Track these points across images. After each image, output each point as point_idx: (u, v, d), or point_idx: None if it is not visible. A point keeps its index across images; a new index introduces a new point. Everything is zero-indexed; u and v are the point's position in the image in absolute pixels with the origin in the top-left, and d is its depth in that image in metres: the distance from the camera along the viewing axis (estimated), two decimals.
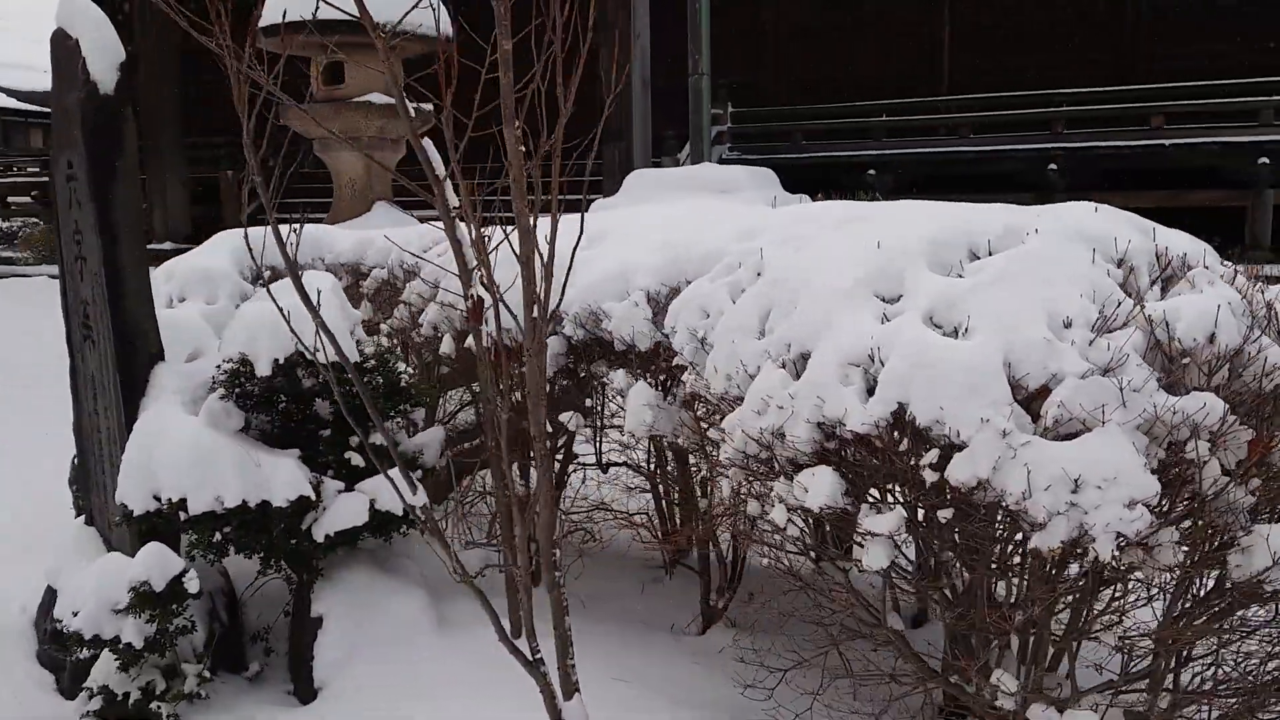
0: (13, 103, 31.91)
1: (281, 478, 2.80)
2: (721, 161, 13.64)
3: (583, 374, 3.26)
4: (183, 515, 2.75)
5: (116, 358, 2.95)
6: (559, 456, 3.91)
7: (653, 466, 3.82)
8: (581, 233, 2.10)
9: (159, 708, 2.79)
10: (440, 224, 2.33)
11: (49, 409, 6.67)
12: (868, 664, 2.49)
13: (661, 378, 2.90)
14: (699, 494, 3.12)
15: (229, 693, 2.99)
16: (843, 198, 4.59)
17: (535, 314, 2.17)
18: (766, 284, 2.28)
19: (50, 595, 3.38)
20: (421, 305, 3.70)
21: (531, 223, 2.18)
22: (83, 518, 3.65)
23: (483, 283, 2.45)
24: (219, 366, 2.89)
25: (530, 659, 2.21)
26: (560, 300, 2.19)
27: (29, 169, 20.17)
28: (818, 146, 13.54)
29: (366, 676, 2.90)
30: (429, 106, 8.95)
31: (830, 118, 13.80)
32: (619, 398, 3.12)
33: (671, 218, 3.33)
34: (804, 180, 10.25)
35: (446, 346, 3.39)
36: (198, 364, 3.13)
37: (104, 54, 2.89)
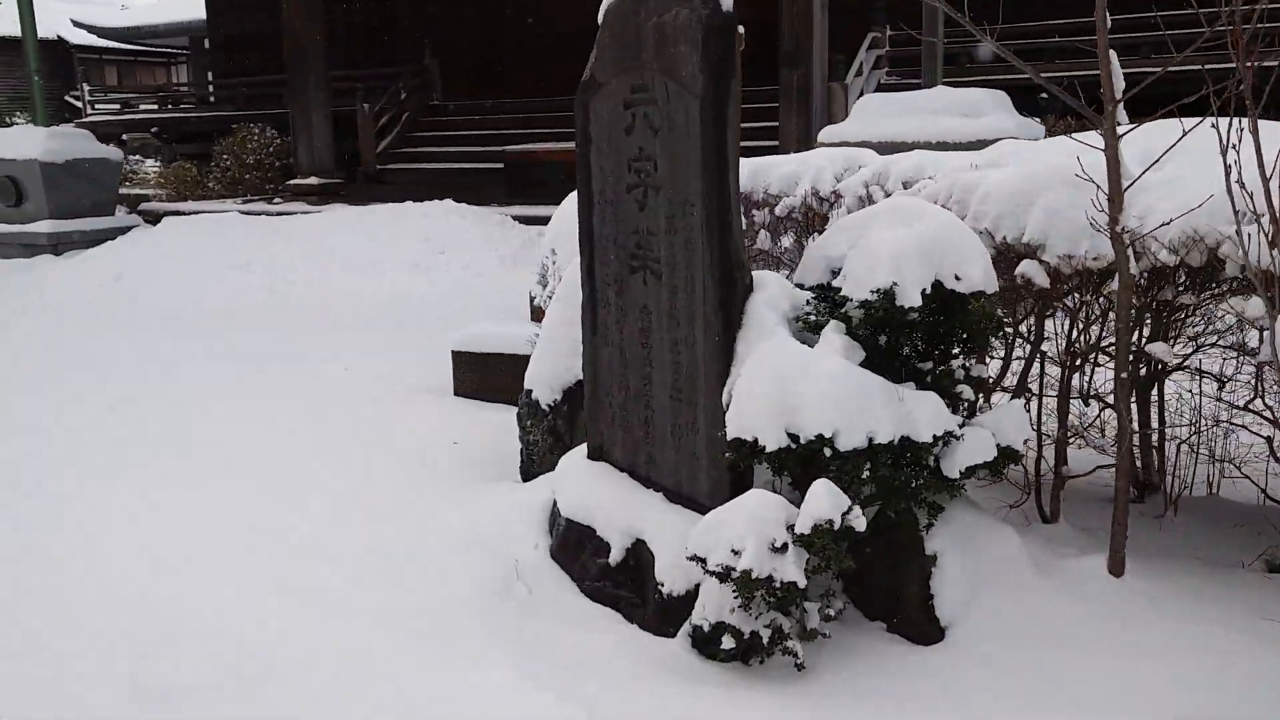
0: (91, 39, 31.70)
1: (923, 413, 2.69)
2: (880, 88, 13.26)
3: (1153, 304, 3.12)
4: (828, 452, 2.66)
5: (718, 291, 2.84)
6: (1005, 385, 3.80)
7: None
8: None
9: (792, 644, 2.74)
10: None
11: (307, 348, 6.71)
12: None
13: None
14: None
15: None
16: None
17: None
18: None
19: (577, 531, 3.33)
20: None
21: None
22: (579, 450, 3.61)
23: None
24: (848, 299, 2.77)
25: None
26: None
27: (143, 105, 20.16)
28: (984, 69, 13.11)
29: (986, 619, 2.81)
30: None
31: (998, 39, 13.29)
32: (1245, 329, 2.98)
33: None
34: None
35: None
36: (763, 295, 3.02)
37: None
